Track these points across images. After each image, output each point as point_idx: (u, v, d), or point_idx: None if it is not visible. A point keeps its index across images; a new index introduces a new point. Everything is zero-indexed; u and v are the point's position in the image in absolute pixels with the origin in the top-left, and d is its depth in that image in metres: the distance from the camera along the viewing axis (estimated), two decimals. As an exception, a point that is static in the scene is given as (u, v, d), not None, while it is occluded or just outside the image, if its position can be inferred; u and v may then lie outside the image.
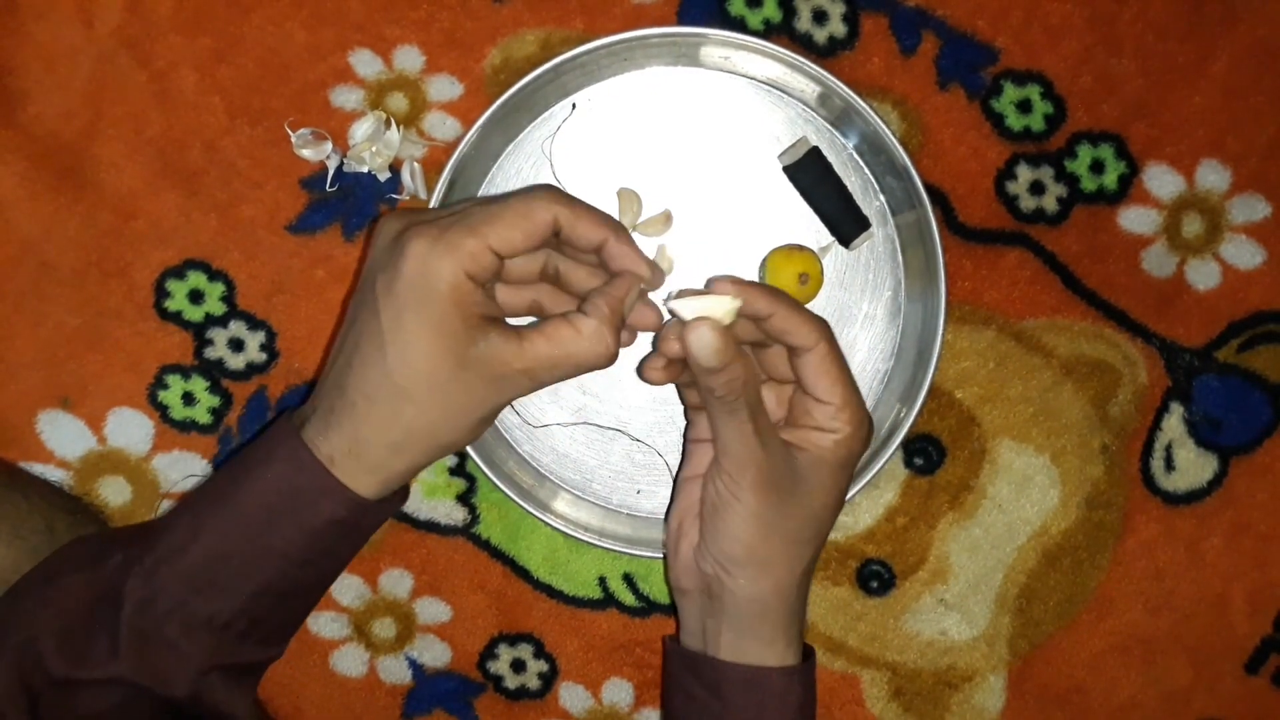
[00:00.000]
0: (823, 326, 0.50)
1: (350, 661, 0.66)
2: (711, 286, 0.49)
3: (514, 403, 0.62)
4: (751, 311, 0.49)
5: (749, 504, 0.50)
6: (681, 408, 0.62)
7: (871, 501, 0.65)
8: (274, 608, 0.50)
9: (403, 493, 0.51)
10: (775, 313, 0.49)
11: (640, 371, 0.52)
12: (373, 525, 0.51)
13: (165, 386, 0.64)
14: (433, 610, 0.66)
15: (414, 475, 0.50)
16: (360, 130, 0.62)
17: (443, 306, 0.45)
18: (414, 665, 0.66)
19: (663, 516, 0.63)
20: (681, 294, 0.49)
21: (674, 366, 0.51)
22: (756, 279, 0.61)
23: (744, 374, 0.48)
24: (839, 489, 0.52)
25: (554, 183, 0.61)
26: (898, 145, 0.59)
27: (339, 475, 0.47)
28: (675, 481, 0.56)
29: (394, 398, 0.46)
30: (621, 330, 0.49)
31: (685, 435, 0.57)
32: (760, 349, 0.53)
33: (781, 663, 0.52)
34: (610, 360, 0.49)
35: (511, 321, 0.50)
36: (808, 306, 0.60)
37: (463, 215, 0.47)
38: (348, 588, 0.65)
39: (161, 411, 0.64)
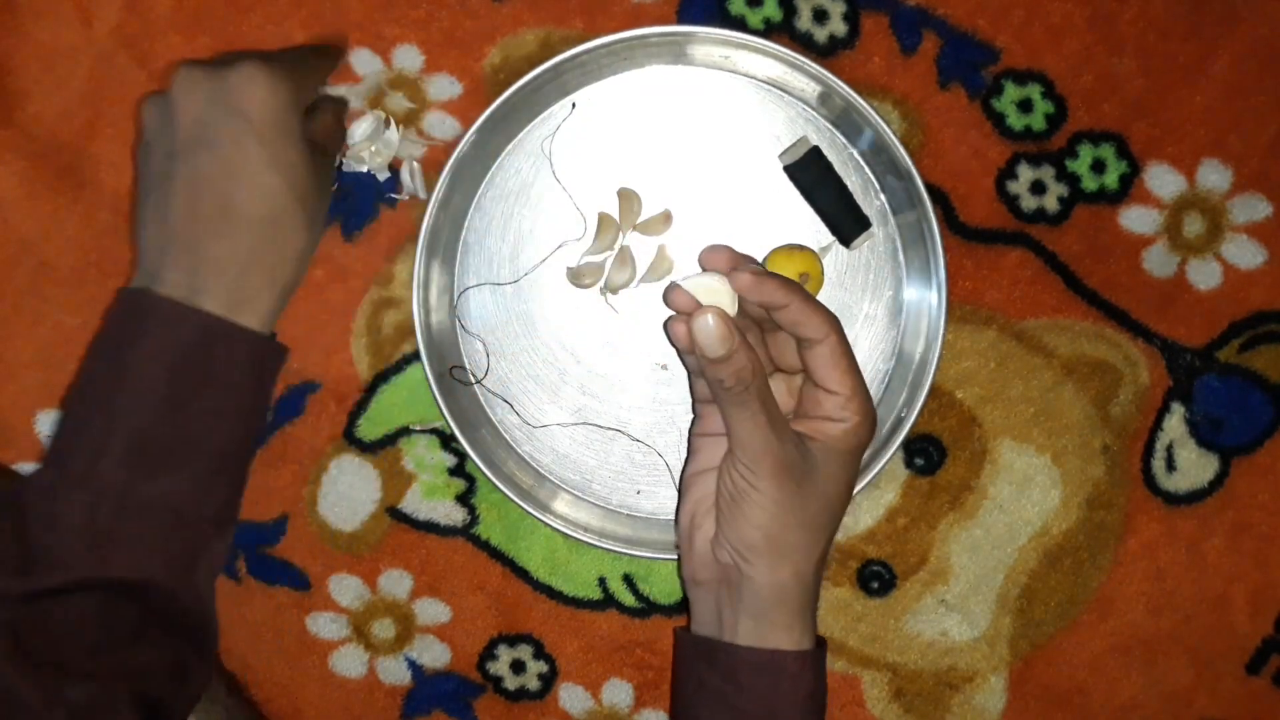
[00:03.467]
0: (833, 319, 0.52)
1: (349, 662, 0.66)
2: (709, 257, 0.51)
3: (514, 403, 0.62)
4: (768, 302, 0.50)
5: (768, 492, 0.51)
6: (681, 408, 0.62)
7: (872, 502, 0.65)
8: (214, 475, 0.51)
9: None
10: (790, 304, 0.50)
11: (666, 329, 0.52)
12: (280, 362, 0.53)
13: (164, 386, 0.64)
14: (432, 611, 0.65)
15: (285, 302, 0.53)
16: (359, 130, 0.62)
17: (298, 124, 0.51)
18: (413, 666, 0.66)
19: (663, 517, 0.63)
20: (686, 279, 0.51)
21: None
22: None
23: (751, 364, 0.49)
24: (849, 476, 0.53)
25: (554, 184, 0.61)
26: (899, 145, 0.59)
27: (238, 318, 0.49)
28: (682, 478, 0.56)
29: (296, 220, 0.50)
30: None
31: (691, 430, 0.57)
32: (770, 338, 0.54)
33: (796, 647, 0.53)
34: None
35: None
36: (808, 306, 0.61)
37: (283, 61, 0.52)
38: (347, 588, 0.65)
39: (160, 412, 0.64)
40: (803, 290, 0.51)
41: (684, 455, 0.62)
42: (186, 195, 0.49)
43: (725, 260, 0.52)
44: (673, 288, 0.50)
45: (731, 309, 0.49)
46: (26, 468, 0.64)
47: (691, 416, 0.62)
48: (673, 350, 0.61)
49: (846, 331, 0.62)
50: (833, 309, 0.61)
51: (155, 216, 0.50)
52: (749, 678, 0.53)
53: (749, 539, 0.52)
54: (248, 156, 0.48)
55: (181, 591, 0.50)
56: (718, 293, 0.49)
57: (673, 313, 0.52)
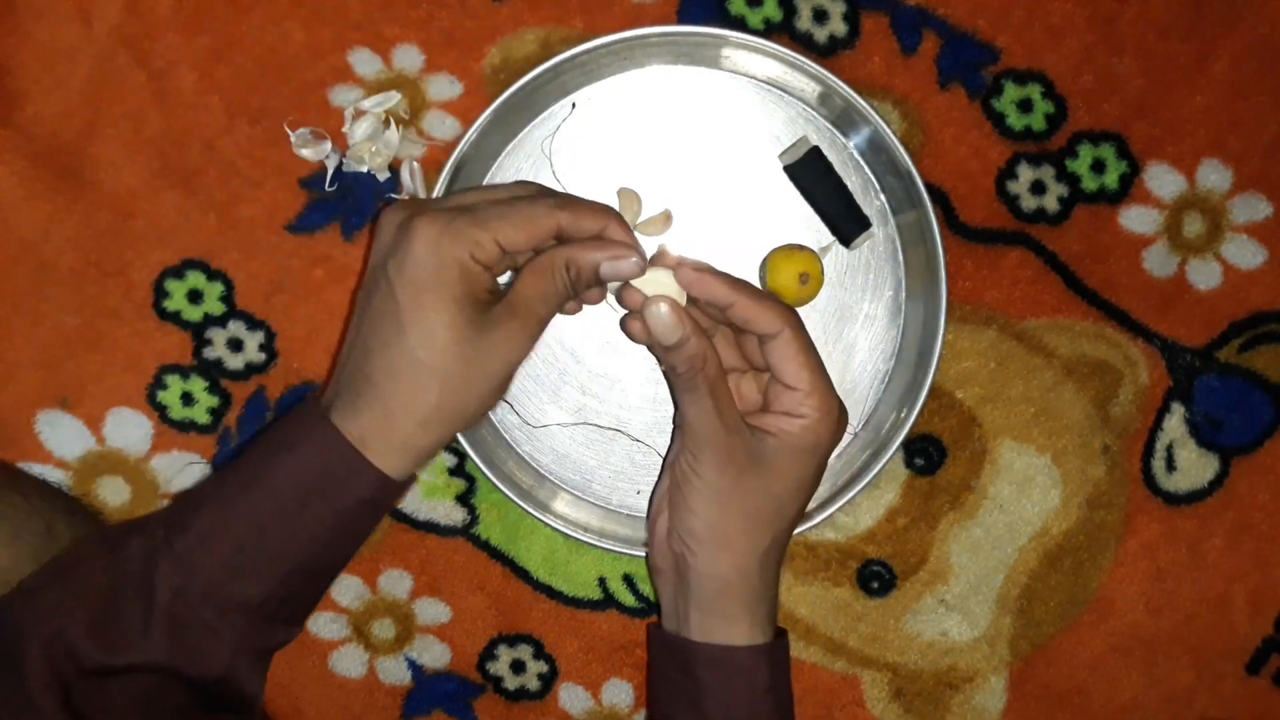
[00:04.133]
0: (787, 314, 0.52)
1: (349, 662, 0.66)
2: (660, 257, 0.52)
3: (514, 403, 0.62)
4: (711, 297, 0.51)
5: (708, 480, 0.52)
6: (681, 408, 0.62)
7: (872, 502, 0.65)
8: (302, 587, 0.52)
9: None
10: (735, 301, 0.51)
11: (623, 326, 0.53)
12: (396, 502, 0.52)
13: (164, 386, 0.64)
14: (432, 611, 0.65)
15: (439, 450, 0.51)
16: (359, 129, 0.62)
17: (456, 283, 0.48)
18: (413, 666, 0.66)
19: (663, 517, 0.63)
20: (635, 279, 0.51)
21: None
22: (756, 279, 0.61)
23: (703, 352, 0.50)
24: (804, 475, 0.53)
25: (554, 183, 0.61)
26: (899, 145, 0.59)
27: (369, 456, 0.49)
28: (662, 465, 0.57)
29: (420, 374, 0.48)
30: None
31: (674, 421, 0.57)
32: (742, 336, 0.54)
33: (749, 642, 0.53)
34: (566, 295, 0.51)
35: None
36: (807, 307, 0.61)
37: (470, 208, 0.49)
38: (347, 588, 0.65)
39: (160, 412, 0.64)
40: (749, 287, 0.52)
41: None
42: (351, 327, 0.51)
43: (673, 259, 0.52)
44: (624, 288, 0.51)
45: (681, 300, 0.51)
46: (30, 468, 0.64)
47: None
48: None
49: (847, 332, 0.62)
50: (833, 309, 0.62)
51: (354, 327, 0.51)
52: (704, 672, 0.54)
53: (690, 526, 0.53)
54: (386, 314, 0.48)
55: (234, 680, 0.50)
56: (665, 286, 0.51)
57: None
